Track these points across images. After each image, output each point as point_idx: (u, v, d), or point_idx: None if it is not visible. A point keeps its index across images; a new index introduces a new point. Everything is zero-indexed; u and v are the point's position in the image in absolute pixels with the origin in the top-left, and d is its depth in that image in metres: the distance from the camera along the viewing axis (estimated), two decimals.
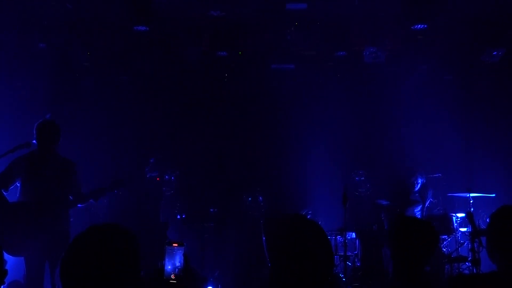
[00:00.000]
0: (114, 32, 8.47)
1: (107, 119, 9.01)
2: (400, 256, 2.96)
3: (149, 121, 9.23)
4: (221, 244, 8.88)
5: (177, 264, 2.93)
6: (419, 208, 8.53)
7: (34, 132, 5.57)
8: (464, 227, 8.19)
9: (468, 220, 6.62)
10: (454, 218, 8.17)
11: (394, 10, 8.13)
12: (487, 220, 3.10)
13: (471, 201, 7.97)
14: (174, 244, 2.91)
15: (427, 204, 8.58)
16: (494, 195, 8.28)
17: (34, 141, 5.59)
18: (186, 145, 9.52)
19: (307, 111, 9.38)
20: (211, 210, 8.98)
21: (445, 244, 8.23)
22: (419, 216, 8.40)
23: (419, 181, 8.51)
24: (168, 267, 2.99)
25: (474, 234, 6.58)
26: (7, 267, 2.68)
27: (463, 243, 8.12)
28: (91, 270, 1.85)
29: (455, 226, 8.11)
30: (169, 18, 8.38)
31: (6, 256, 5.09)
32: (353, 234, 8.59)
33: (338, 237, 8.45)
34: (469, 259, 7.49)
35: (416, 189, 8.53)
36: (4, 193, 5.44)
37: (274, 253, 2.25)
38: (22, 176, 5.47)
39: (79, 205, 5.68)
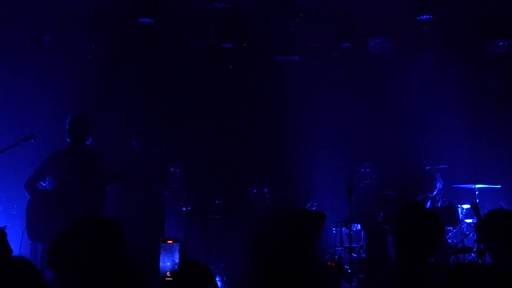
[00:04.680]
0: (118, 25, 8.47)
1: (112, 111, 9.02)
2: (403, 244, 2.95)
3: (154, 113, 9.23)
4: (227, 236, 8.90)
5: (175, 260, 2.90)
6: (423, 197, 8.53)
7: (67, 125, 5.83)
8: (470, 219, 8.18)
9: (474, 211, 6.61)
10: (459, 209, 8.16)
11: (399, 0, 8.09)
12: None
13: (477, 192, 7.95)
14: (169, 241, 2.89)
15: (435, 193, 8.57)
16: (499, 186, 8.26)
17: (68, 140, 5.83)
18: (191, 137, 9.52)
19: (312, 102, 9.36)
20: (216, 202, 9.01)
21: (450, 235, 8.23)
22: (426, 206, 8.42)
23: (438, 185, 8.51)
24: (167, 264, 2.96)
25: (479, 225, 6.58)
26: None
27: (469, 234, 8.10)
28: (77, 257, 1.95)
29: (460, 218, 8.10)
30: (174, 10, 8.37)
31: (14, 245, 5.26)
32: (358, 225, 8.59)
33: (344, 228, 8.46)
34: (474, 250, 7.49)
35: (434, 194, 8.53)
36: (42, 184, 5.78)
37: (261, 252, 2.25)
38: (52, 171, 5.74)
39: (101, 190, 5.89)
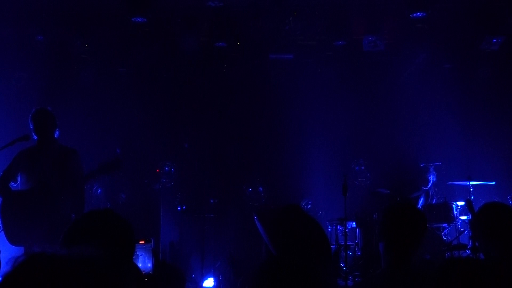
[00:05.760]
0: (111, 24, 8.44)
1: (105, 111, 9.00)
2: (387, 241, 2.96)
3: (148, 113, 9.21)
4: (222, 235, 8.90)
5: (147, 262, 2.86)
6: (417, 194, 8.55)
7: (30, 123, 5.53)
8: (464, 215, 8.20)
9: (468, 208, 6.63)
10: (454, 206, 8.18)
11: None
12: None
13: (471, 189, 7.98)
14: (140, 242, 2.84)
15: (429, 186, 8.59)
16: (494, 182, 8.29)
17: (34, 135, 5.55)
18: (185, 136, 9.52)
19: (306, 100, 9.35)
20: (211, 201, 9.00)
21: (445, 233, 8.24)
22: (420, 204, 8.44)
23: (431, 178, 8.53)
24: (148, 265, 2.92)
25: (473, 222, 6.60)
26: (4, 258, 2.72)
27: (463, 231, 8.13)
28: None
29: (455, 214, 8.11)
30: (167, 9, 8.36)
31: (6, 247, 5.18)
32: (353, 223, 8.60)
33: (339, 226, 8.46)
34: (469, 246, 7.51)
35: (428, 187, 8.54)
36: (13, 185, 5.51)
37: (276, 241, 2.26)
38: (21, 169, 5.49)
39: (77, 189, 5.53)
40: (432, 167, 8.58)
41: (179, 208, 8.79)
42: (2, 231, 5.26)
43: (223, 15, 8.38)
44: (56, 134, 5.60)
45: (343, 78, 9.58)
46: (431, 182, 8.57)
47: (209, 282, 7.86)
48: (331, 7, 8.43)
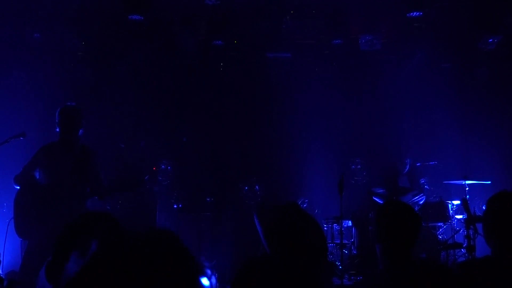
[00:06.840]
0: (108, 22, 8.44)
1: (102, 108, 8.97)
2: (383, 241, 2.94)
3: (145, 111, 9.20)
4: (218, 233, 8.90)
5: None
6: (413, 194, 8.56)
7: (57, 117, 5.43)
8: (460, 214, 8.23)
9: (464, 207, 6.65)
10: (450, 205, 8.21)
11: None
12: (483, 207, 3.15)
13: (467, 189, 8.00)
14: None
15: (407, 169, 8.59)
16: (489, 182, 8.30)
17: (57, 129, 5.47)
18: (182, 135, 9.51)
19: (303, 99, 9.36)
20: (208, 199, 9.00)
21: (441, 231, 8.27)
22: (414, 204, 8.43)
23: (407, 161, 8.52)
24: None
25: (469, 221, 6.62)
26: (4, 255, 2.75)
27: (459, 230, 8.15)
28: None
29: (450, 213, 8.14)
30: (164, 7, 8.35)
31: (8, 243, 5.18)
32: (350, 222, 8.61)
33: (335, 225, 8.47)
34: (464, 245, 7.52)
35: (406, 170, 8.52)
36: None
37: (272, 240, 2.27)
38: (40, 165, 5.43)
39: (97, 197, 5.53)
40: (409, 154, 8.60)
41: (175, 206, 8.78)
42: (10, 220, 5.20)
43: (220, 13, 8.38)
44: (80, 133, 5.53)
45: (340, 77, 9.59)
46: (408, 165, 8.56)
47: (204, 280, 7.86)
48: (328, 6, 8.44)
